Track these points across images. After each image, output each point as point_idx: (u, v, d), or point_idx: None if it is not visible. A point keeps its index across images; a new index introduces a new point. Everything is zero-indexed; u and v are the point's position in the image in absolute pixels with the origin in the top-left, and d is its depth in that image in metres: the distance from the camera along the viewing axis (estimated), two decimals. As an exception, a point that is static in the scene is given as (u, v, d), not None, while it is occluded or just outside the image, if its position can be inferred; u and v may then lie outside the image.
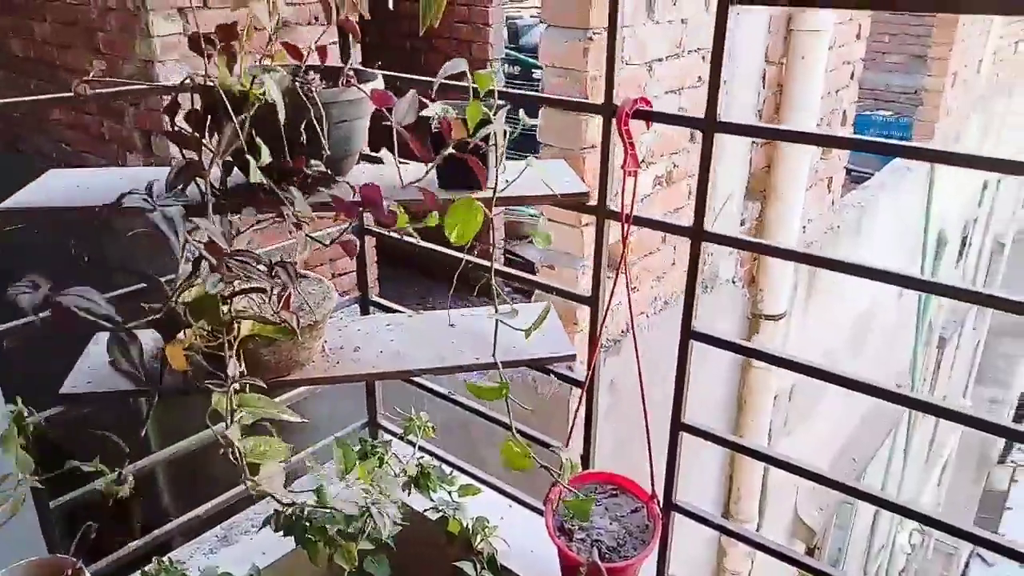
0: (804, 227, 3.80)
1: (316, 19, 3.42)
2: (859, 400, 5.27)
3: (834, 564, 6.05)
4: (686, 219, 1.23)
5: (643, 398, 1.32)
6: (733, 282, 3.50)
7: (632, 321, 1.30)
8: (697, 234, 1.18)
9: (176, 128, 1.17)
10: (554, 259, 2.65)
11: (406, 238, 1.20)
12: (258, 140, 1.11)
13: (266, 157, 1.08)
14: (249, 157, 1.07)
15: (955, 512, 9.17)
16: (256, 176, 1.07)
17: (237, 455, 1.15)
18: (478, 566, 1.53)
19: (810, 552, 5.03)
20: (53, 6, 3.69)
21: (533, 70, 5.43)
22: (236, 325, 1.22)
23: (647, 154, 2.71)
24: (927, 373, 6.24)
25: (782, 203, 3.39)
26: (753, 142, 3.25)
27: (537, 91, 4.87)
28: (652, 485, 1.37)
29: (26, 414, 1.15)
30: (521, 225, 4.97)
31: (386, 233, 1.70)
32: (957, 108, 5.41)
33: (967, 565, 9.18)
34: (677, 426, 1.30)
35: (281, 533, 1.46)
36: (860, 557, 6.62)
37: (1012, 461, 10.95)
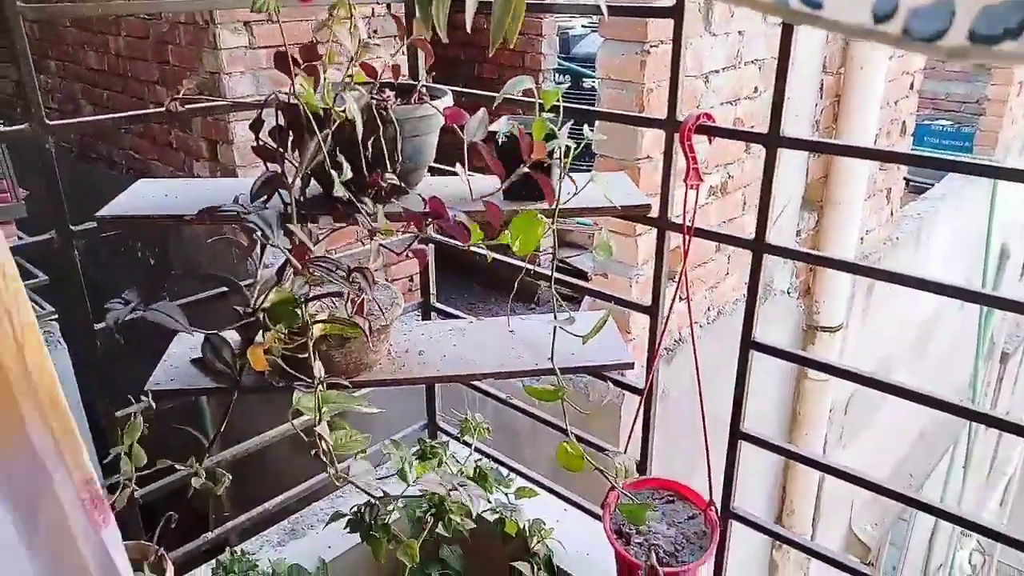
0: (862, 238, 3.75)
1: (375, 33, 3.52)
2: (917, 414, 5.15)
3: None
4: (739, 229, 1.26)
5: (702, 405, 1.34)
6: (788, 293, 3.47)
7: (692, 330, 1.32)
8: (759, 247, 1.20)
9: (261, 142, 1.24)
10: (607, 267, 2.68)
11: (486, 252, 1.25)
12: (340, 155, 1.18)
13: (348, 172, 1.14)
14: (333, 172, 1.13)
15: (1020, 532, 8.81)
16: (340, 190, 1.13)
17: (326, 448, 1.22)
18: (535, 567, 1.57)
19: (863, 569, 4.92)
20: (128, 20, 3.87)
21: (583, 79, 5.46)
22: (311, 328, 1.29)
23: (703, 165, 2.72)
24: (988, 388, 6.05)
25: (839, 214, 3.35)
26: (810, 152, 3.23)
27: (588, 101, 4.90)
28: (710, 492, 1.38)
29: (140, 411, 1.23)
30: (571, 233, 5.00)
31: (452, 242, 1.75)
32: (1023, 117, 5.26)
33: (1030, 589, 8.82)
34: (736, 434, 1.32)
35: (347, 530, 1.53)
36: (916, 570, 6.44)
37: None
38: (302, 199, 1.27)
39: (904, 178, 4.38)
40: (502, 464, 1.80)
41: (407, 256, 1.33)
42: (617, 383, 1.56)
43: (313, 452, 1.19)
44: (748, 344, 1.26)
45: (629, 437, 1.45)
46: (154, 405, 1.24)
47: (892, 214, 4.14)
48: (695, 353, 1.33)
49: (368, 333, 1.25)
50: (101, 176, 4.40)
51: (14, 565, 0.72)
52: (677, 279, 1.42)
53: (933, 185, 4.87)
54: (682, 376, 2.90)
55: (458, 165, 1.20)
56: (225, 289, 1.48)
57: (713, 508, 1.38)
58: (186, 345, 1.50)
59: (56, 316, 2.88)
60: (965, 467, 6.07)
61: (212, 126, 3.52)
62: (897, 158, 1.24)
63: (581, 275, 3.73)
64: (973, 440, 6.01)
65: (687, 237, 1.27)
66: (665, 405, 2.84)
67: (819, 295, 3.53)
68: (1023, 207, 5.76)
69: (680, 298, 2.70)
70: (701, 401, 1.35)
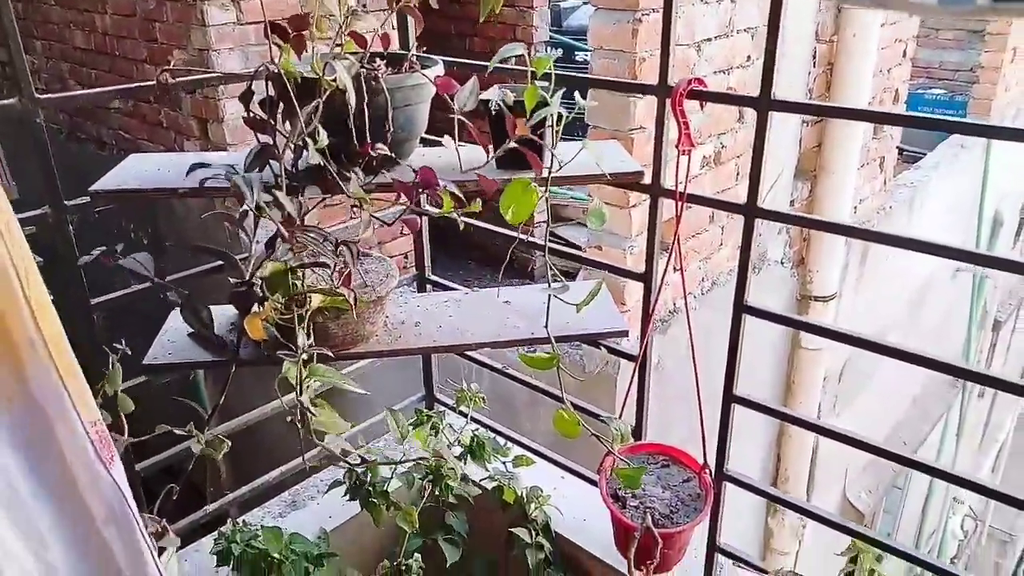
0: (855, 208, 3.76)
1: (364, 6, 3.48)
2: (910, 381, 5.20)
3: (879, 559, 5.98)
4: (735, 199, 1.26)
5: (695, 371, 1.35)
6: (782, 263, 3.49)
7: (685, 296, 1.33)
8: (751, 211, 1.21)
9: (251, 114, 1.24)
10: (601, 239, 2.68)
11: (459, 219, 1.25)
12: (326, 125, 1.18)
13: (323, 140, 1.14)
14: (309, 139, 1.13)
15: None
16: (315, 157, 1.14)
17: (306, 419, 1.23)
18: (533, 533, 1.60)
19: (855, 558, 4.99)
20: (114, -1, 3.83)
21: (576, 52, 5.42)
22: (308, 299, 1.29)
23: (695, 135, 2.72)
24: (981, 356, 6.10)
25: (833, 183, 3.36)
26: (803, 120, 3.23)
27: (582, 74, 4.87)
28: (704, 456, 1.40)
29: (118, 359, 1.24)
30: (565, 208, 4.99)
31: (440, 213, 1.75)
32: (1016, 84, 5.25)
33: (1023, 554, 8.97)
34: (729, 398, 1.33)
35: (347, 498, 1.55)
36: (909, 543, 6.54)
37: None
38: (295, 171, 1.27)
39: (898, 147, 4.38)
40: (499, 434, 1.82)
41: (401, 232, 1.34)
42: (612, 351, 1.57)
43: (288, 419, 1.20)
44: (741, 308, 1.27)
45: (624, 404, 1.47)
46: (129, 352, 1.25)
47: (885, 183, 4.15)
48: (688, 320, 1.34)
49: (354, 304, 1.26)
50: (91, 156, 4.37)
51: (23, 506, 0.74)
52: (670, 248, 1.42)
53: (926, 154, 4.87)
54: (677, 346, 2.92)
55: (446, 137, 1.20)
56: (220, 263, 1.49)
57: (707, 471, 1.40)
58: (182, 320, 1.50)
59: (52, 298, 2.88)
60: (958, 434, 6.14)
61: (202, 104, 3.50)
62: (889, 119, 1.24)
63: (576, 250, 3.73)
64: (966, 407, 6.07)
65: (680, 203, 1.28)
66: (660, 375, 2.87)
67: (813, 265, 3.54)
68: (1016, 174, 5.77)
69: (675, 268, 2.71)
70: (695, 367, 1.37)
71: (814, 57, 3.21)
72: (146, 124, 3.99)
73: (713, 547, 1.43)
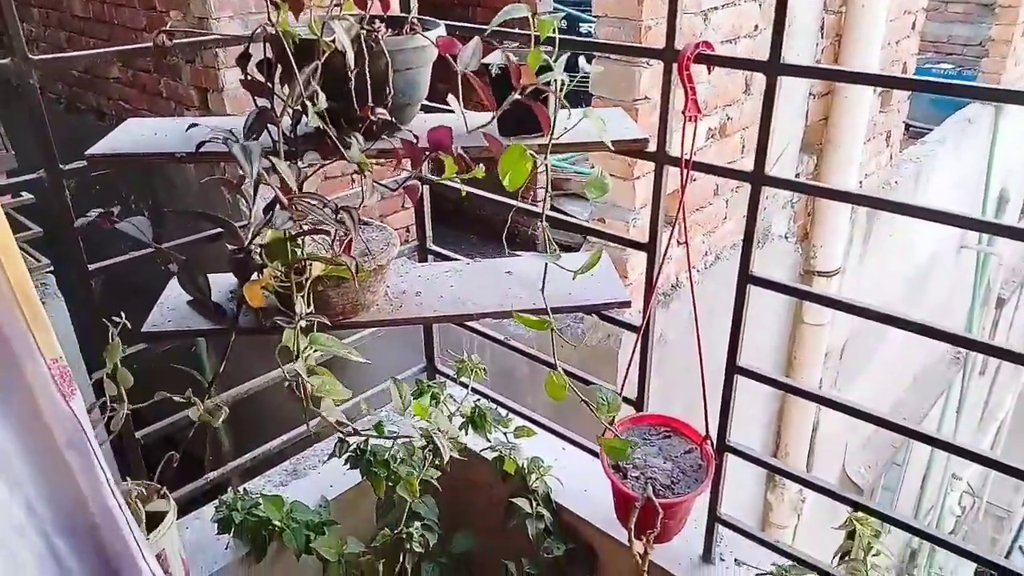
0: (861, 182, 3.73)
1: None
2: (911, 360, 5.19)
3: (877, 535, 6.02)
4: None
5: (699, 341, 1.34)
6: (786, 238, 3.46)
7: (689, 267, 1.31)
8: (758, 178, 1.19)
9: (249, 77, 1.21)
10: (605, 212, 2.66)
11: (461, 186, 1.23)
12: (325, 89, 1.16)
13: (322, 103, 1.12)
14: (308, 102, 1.11)
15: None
16: (315, 121, 1.11)
17: (302, 387, 1.22)
18: (533, 503, 1.59)
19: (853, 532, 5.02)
20: (112, -35, 3.77)
21: (580, 24, 5.35)
22: (308, 267, 1.28)
23: (701, 105, 2.68)
24: (984, 333, 6.09)
25: (839, 156, 3.32)
26: (810, 93, 3.18)
27: (586, 45, 4.80)
28: (706, 426, 1.40)
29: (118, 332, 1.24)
30: (567, 182, 4.96)
31: (444, 179, 1.73)
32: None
33: (1020, 529, 9.04)
34: (732, 369, 1.32)
35: (347, 467, 1.55)
36: (907, 515, 6.58)
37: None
38: (293, 135, 1.25)
39: (904, 123, 4.33)
40: (501, 405, 1.81)
41: (402, 205, 1.32)
42: (614, 322, 1.56)
43: (286, 384, 1.20)
44: (746, 278, 1.25)
45: (626, 375, 1.46)
46: (129, 326, 1.24)
47: (891, 158, 4.11)
48: (692, 290, 1.33)
49: (355, 272, 1.24)
50: (90, 126, 4.33)
51: None
52: (674, 220, 1.40)
53: (932, 130, 4.82)
54: (679, 321, 2.91)
55: (450, 97, 1.17)
56: (219, 231, 1.48)
57: (709, 442, 1.40)
58: (181, 288, 1.49)
59: (52, 268, 2.87)
60: (958, 412, 6.14)
61: (202, 73, 3.46)
62: (897, 83, 1.22)
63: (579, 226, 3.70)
64: (966, 386, 6.07)
65: (685, 171, 1.26)
66: (662, 349, 2.86)
67: (817, 240, 3.52)
68: (1021, 154, 5.71)
69: (679, 242, 2.69)
70: (698, 337, 1.35)
71: (822, 28, 3.16)
72: (146, 94, 3.95)
73: (714, 517, 1.43)
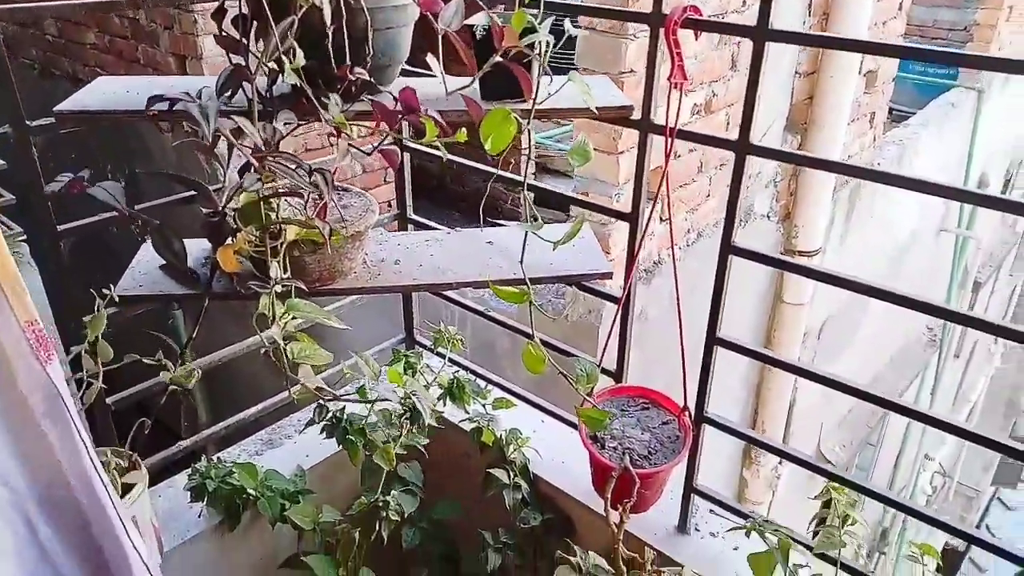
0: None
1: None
2: (889, 341, 5.25)
3: (853, 504, 6.13)
4: (722, 150, 1.22)
5: (679, 310, 1.33)
6: (768, 217, 3.47)
7: (672, 234, 1.30)
8: (743, 148, 1.18)
9: (223, 33, 1.18)
10: (588, 187, 2.64)
11: (438, 152, 1.21)
12: (302, 45, 1.12)
13: (300, 59, 1.09)
14: (284, 58, 1.08)
15: (979, 456, 9.18)
16: (291, 78, 1.08)
17: (280, 353, 1.20)
18: (511, 474, 1.59)
19: (829, 501, 5.09)
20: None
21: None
22: (282, 231, 1.25)
23: (687, 82, 2.66)
24: (959, 317, 6.17)
25: (823, 136, 3.32)
26: (796, 72, 3.17)
27: (572, 19, 4.75)
28: (684, 398, 1.40)
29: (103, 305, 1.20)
30: (552, 159, 4.93)
31: (423, 148, 1.71)
32: (1011, 44, 5.20)
33: (987, 509, 9.24)
34: (712, 340, 1.32)
35: (323, 436, 1.53)
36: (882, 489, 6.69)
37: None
38: (269, 95, 1.22)
39: (888, 106, 4.34)
40: (480, 376, 1.80)
41: (384, 180, 1.29)
42: (595, 292, 1.55)
43: (263, 351, 1.17)
44: (728, 249, 1.24)
45: (606, 345, 1.45)
46: (116, 298, 1.21)
47: (875, 139, 4.12)
48: (674, 257, 1.32)
49: (328, 236, 1.22)
50: (66, 92, 4.21)
51: None
52: (656, 192, 1.39)
53: (916, 114, 4.83)
54: (660, 297, 2.90)
55: (429, 57, 1.14)
56: (192, 194, 1.44)
57: (687, 413, 1.40)
58: (154, 253, 1.46)
59: (25, 237, 2.81)
60: (932, 393, 6.24)
61: (180, 40, 3.38)
62: (887, 50, 1.22)
63: (564, 202, 3.69)
64: (941, 368, 6.16)
65: (670, 139, 1.24)
66: (643, 326, 2.86)
67: (799, 220, 3.53)
68: (1003, 137, 5.76)
69: (661, 219, 2.67)
70: (679, 306, 1.35)
71: (809, 7, 3.14)
72: (123, 60, 3.86)
73: (690, 488, 1.43)
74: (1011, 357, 9.17)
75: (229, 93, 1.20)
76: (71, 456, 0.90)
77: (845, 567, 1.26)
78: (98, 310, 1.17)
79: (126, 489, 1.28)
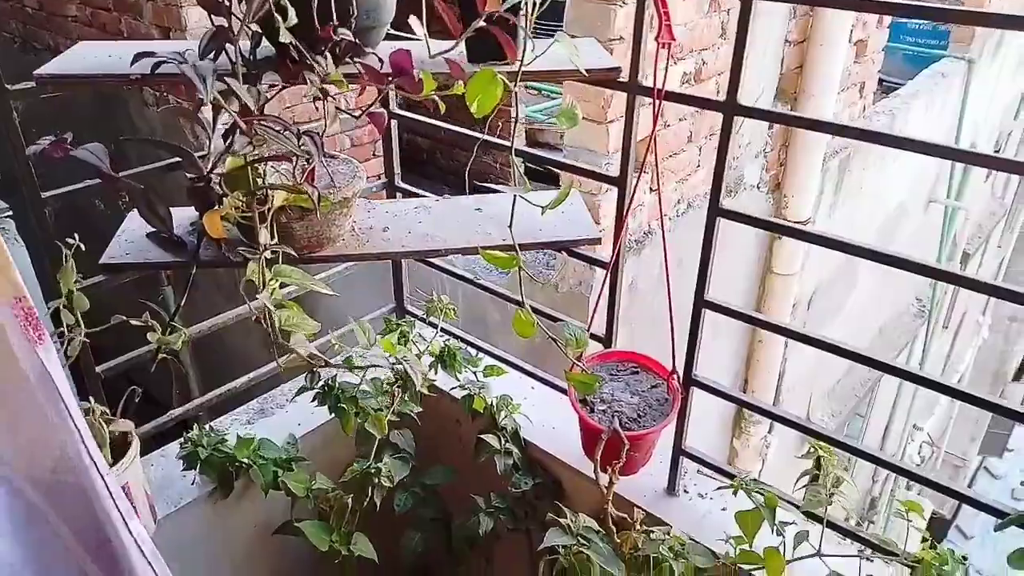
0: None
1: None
2: (878, 311, 5.28)
3: (843, 467, 6.20)
4: (712, 119, 1.21)
5: (667, 274, 1.34)
6: (758, 187, 3.47)
7: (660, 195, 1.30)
8: (730, 108, 1.17)
9: (205, -7, 1.16)
10: (578, 157, 2.63)
11: (425, 119, 1.20)
12: (286, 4, 1.11)
13: (293, 18, 1.08)
14: (277, 16, 1.07)
15: (967, 425, 9.29)
16: (286, 37, 1.07)
17: (269, 319, 1.20)
18: (502, 439, 1.60)
19: (819, 461, 5.16)
20: None
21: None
22: (269, 196, 1.24)
23: (676, 50, 2.65)
24: (948, 288, 6.21)
25: (813, 106, 3.31)
26: (786, 40, 3.16)
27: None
28: (672, 361, 1.40)
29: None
30: (542, 132, 4.91)
31: (411, 116, 1.70)
32: (1002, 10, 5.17)
33: (974, 478, 9.38)
34: (700, 303, 1.32)
35: (315, 404, 1.54)
36: (869, 467, 6.78)
37: (1027, 380, 11.02)
38: (252, 58, 1.20)
39: (878, 77, 4.33)
40: (471, 345, 1.81)
41: (374, 153, 1.28)
42: (584, 258, 1.55)
43: (253, 318, 1.17)
44: (716, 211, 1.24)
45: (594, 310, 1.46)
46: (83, 247, 1.20)
47: (864, 110, 4.11)
48: (662, 219, 1.32)
49: (317, 202, 1.21)
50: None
51: None
52: (643, 159, 1.39)
53: (905, 84, 4.82)
54: (651, 267, 2.91)
55: (412, 19, 1.13)
56: (178, 160, 1.43)
57: (675, 376, 1.41)
58: (140, 222, 1.45)
59: (11, 213, 2.78)
60: (921, 364, 6.29)
61: (164, 12, 3.33)
62: (880, 7, 1.22)
63: (553, 176, 3.67)
64: (930, 339, 6.21)
65: (657, 101, 1.24)
66: (634, 296, 2.87)
67: (788, 190, 3.53)
68: (993, 107, 5.76)
69: (651, 189, 2.66)
70: (666, 266, 1.35)
71: (799, -26, 3.12)
72: (106, 34, 3.80)
73: (678, 450, 1.45)
74: (999, 328, 9.26)
75: (212, 56, 1.18)
76: (63, 436, 0.88)
77: (832, 525, 1.28)
78: (66, 260, 1.16)
79: (118, 456, 1.29)
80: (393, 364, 1.46)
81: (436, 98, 1.15)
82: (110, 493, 0.94)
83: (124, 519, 0.95)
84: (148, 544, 0.98)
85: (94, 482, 0.91)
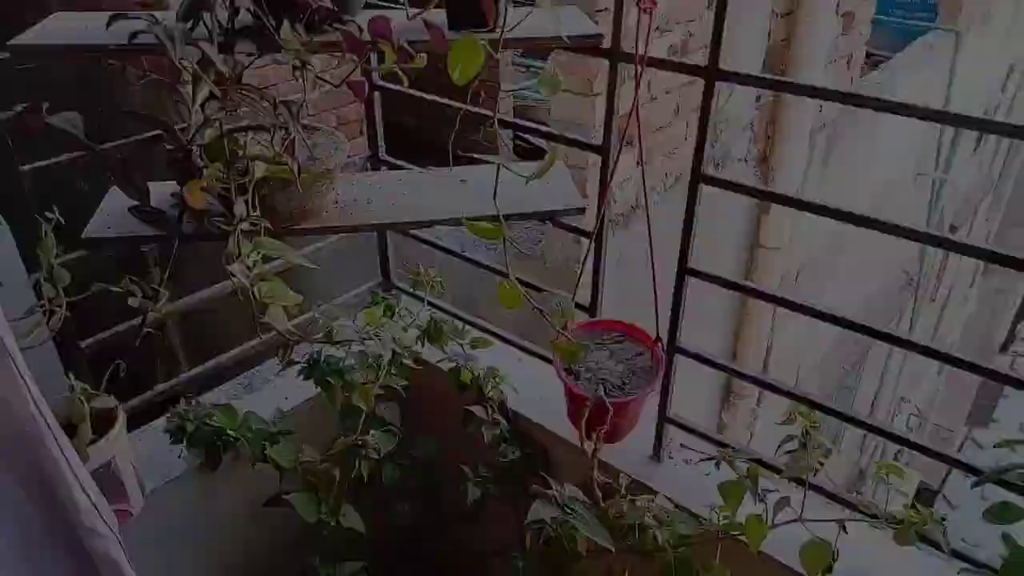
0: (821, 107, 3.72)
1: None
2: (865, 284, 5.31)
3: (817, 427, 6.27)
4: (699, 91, 1.20)
5: (650, 243, 1.34)
6: (745, 161, 3.47)
7: (641, 154, 1.30)
8: (712, 73, 1.17)
9: (181, -39, 1.14)
10: (564, 131, 2.62)
11: (408, 90, 1.19)
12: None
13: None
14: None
15: (954, 397, 9.40)
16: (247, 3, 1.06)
17: (246, 292, 1.19)
18: (489, 411, 1.61)
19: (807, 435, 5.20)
20: None
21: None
22: (251, 168, 1.24)
23: (662, 22, 2.63)
24: (935, 261, 6.25)
25: (800, 78, 3.30)
26: (772, 11, 3.14)
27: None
28: (657, 329, 1.41)
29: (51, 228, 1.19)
30: (532, 109, 4.88)
31: (392, 87, 1.68)
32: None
33: (960, 448, 9.50)
34: (683, 271, 1.33)
35: (301, 378, 1.54)
36: (856, 440, 6.86)
37: (1013, 351, 11.13)
38: (231, 27, 1.19)
39: (866, 50, 4.31)
40: (458, 318, 1.81)
41: (360, 131, 1.27)
42: (569, 228, 1.55)
43: (231, 291, 1.17)
44: (698, 178, 1.24)
45: (579, 279, 1.46)
46: (63, 222, 1.19)
47: (852, 82, 4.11)
48: (643, 179, 1.32)
49: (297, 173, 1.20)
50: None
51: None
52: (626, 126, 1.38)
53: (893, 58, 4.81)
54: (640, 241, 2.90)
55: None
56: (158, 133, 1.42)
57: (660, 344, 1.42)
58: (123, 197, 1.43)
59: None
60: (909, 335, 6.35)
61: (144, -12, 3.28)
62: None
63: (541, 152, 3.66)
64: (917, 311, 6.26)
65: (640, 67, 1.23)
66: (621, 271, 2.87)
67: (776, 163, 3.54)
68: (982, 80, 5.76)
69: (637, 163, 2.64)
70: (649, 233, 1.35)
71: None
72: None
73: (663, 418, 1.46)
74: (986, 301, 9.33)
75: (190, 24, 1.17)
76: (13, 396, 0.86)
77: (814, 487, 1.29)
78: (45, 235, 1.16)
79: (102, 431, 1.28)
80: (364, 339, 1.46)
81: (398, 70, 1.13)
82: (64, 456, 0.92)
83: (80, 484, 0.93)
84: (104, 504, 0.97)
85: (45, 442, 0.90)
